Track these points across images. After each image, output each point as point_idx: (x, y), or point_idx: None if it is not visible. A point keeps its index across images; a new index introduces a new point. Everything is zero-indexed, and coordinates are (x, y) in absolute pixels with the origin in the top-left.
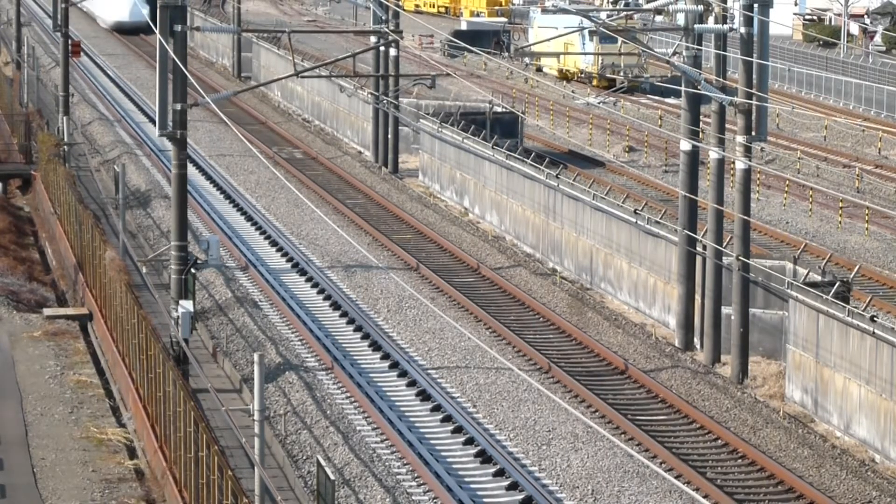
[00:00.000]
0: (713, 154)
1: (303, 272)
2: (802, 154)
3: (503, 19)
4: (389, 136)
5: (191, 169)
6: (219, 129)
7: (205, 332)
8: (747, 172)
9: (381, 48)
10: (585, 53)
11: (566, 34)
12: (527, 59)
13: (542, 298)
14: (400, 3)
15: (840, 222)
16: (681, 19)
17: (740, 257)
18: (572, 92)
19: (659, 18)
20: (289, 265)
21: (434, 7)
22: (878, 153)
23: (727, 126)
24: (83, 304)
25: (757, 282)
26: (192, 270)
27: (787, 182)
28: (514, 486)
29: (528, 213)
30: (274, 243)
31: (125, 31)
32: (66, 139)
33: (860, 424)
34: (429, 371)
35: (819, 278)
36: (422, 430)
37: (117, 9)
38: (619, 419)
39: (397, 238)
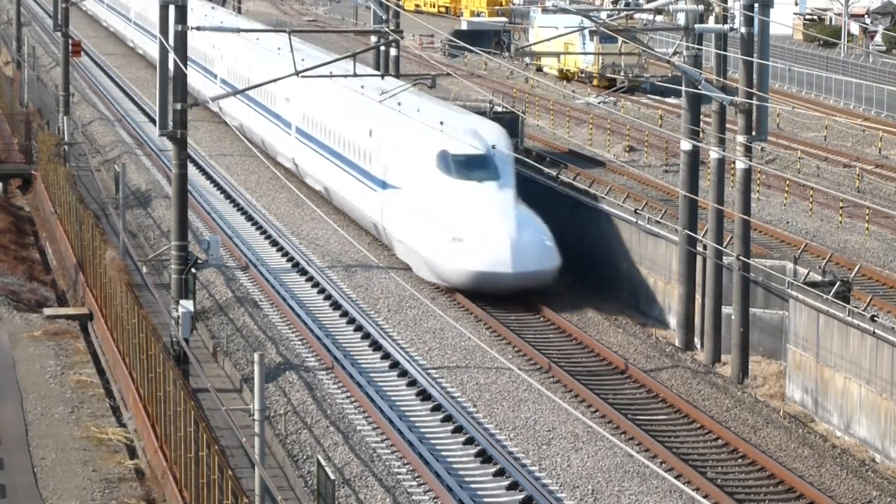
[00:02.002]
0: (713, 154)
1: (303, 272)
2: (803, 154)
3: (503, 19)
4: None
5: (191, 169)
6: (219, 128)
7: (205, 332)
8: (747, 172)
9: (382, 48)
10: (586, 53)
11: (566, 34)
12: (527, 59)
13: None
14: (400, 3)
15: (840, 222)
16: (681, 19)
17: (740, 257)
18: (572, 92)
19: (659, 18)
20: (289, 265)
21: (434, 7)
22: (879, 153)
23: (727, 126)
24: (83, 304)
25: (757, 282)
26: (193, 270)
27: (788, 182)
28: (514, 486)
29: None
30: (274, 243)
31: (492, 289)
32: (66, 139)
33: (860, 424)
34: (429, 371)
35: (819, 278)
36: (422, 430)
37: (485, 250)
38: (619, 419)
39: None
